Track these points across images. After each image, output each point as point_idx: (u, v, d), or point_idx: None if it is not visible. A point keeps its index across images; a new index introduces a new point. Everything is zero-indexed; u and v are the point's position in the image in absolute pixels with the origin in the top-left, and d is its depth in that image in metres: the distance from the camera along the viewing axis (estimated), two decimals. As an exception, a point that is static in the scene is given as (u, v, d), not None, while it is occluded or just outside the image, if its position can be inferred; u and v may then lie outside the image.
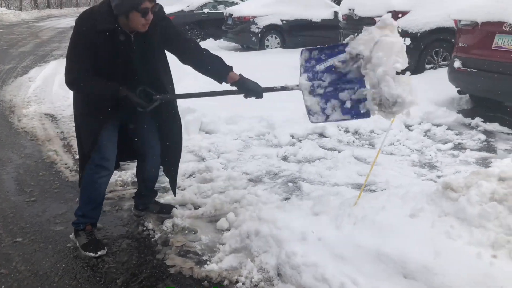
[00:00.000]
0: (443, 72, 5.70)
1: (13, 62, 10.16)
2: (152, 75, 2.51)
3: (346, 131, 4.72)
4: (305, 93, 2.49)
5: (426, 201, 2.35)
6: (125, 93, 2.38)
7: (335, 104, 2.45)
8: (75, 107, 2.58)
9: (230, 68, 2.55)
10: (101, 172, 2.54)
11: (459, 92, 5.49)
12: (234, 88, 2.55)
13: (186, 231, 2.79)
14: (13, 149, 4.37)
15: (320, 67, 2.45)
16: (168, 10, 13.05)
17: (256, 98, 2.56)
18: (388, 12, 6.84)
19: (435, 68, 7.12)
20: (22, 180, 3.62)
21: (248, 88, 2.51)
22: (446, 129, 4.67)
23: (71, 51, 2.35)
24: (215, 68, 2.56)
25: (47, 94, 6.82)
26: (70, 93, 2.65)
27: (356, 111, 2.43)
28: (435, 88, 5.81)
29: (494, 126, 4.74)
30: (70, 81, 2.36)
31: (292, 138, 4.46)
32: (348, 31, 7.86)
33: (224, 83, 2.58)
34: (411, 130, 4.59)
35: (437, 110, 5.11)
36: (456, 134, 4.55)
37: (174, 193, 3.01)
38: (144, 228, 2.85)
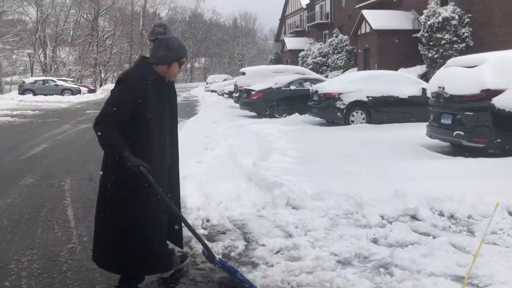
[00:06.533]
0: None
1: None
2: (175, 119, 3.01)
3: (441, 214, 4.46)
4: None
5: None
6: (127, 153, 2.62)
7: None
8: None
9: None
10: None
11: None
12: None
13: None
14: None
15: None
16: (258, 87, 14.03)
17: None
18: (481, 90, 6.77)
19: (539, 149, 6.60)
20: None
21: None
22: (557, 218, 4.22)
23: (114, 100, 2.67)
24: None
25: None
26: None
27: None
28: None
29: None
30: (100, 121, 2.64)
31: (382, 219, 4.31)
32: (438, 109, 7.70)
33: None
34: (516, 218, 4.22)
35: (545, 196, 4.67)
36: None
37: (182, 246, 3.20)
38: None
